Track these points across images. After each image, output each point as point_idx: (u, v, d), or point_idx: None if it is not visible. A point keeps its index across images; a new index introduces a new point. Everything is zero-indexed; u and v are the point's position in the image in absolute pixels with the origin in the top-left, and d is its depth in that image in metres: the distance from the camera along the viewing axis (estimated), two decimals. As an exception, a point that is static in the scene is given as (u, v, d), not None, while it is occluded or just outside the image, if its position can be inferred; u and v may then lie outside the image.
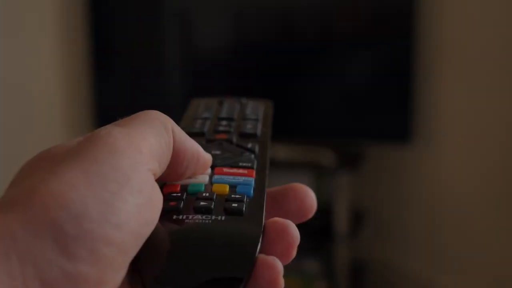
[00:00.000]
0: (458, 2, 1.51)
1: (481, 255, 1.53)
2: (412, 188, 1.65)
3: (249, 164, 0.31)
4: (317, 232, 1.60)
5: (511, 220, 1.48)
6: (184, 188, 0.29)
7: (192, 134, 0.34)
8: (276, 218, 0.28)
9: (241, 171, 0.31)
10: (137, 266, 0.25)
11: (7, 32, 1.69)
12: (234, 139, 0.34)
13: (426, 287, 1.64)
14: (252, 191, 0.29)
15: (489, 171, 1.50)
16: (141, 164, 0.25)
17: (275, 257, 0.26)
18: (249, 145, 0.34)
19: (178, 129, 0.28)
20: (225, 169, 0.31)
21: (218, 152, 0.33)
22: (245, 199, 0.28)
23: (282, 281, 0.25)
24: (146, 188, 0.25)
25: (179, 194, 0.28)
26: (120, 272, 0.23)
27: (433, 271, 1.63)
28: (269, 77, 1.60)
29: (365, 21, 1.58)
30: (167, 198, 0.28)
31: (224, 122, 0.36)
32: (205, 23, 1.70)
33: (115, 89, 1.76)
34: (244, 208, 0.27)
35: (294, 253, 0.27)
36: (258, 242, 0.26)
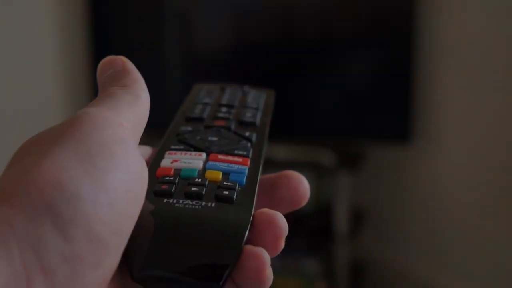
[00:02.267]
0: (458, 2, 1.51)
1: (481, 255, 1.53)
2: (412, 188, 1.65)
3: (245, 153, 0.31)
4: (317, 232, 1.60)
5: (511, 220, 1.48)
6: (177, 172, 0.29)
7: (190, 119, 0.35)
8: (265, 209, 0.27)
9: (236, 158, 0.31)
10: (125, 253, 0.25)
11: (7, 32, 1.69)
12: (233, 127, 0.34)
13: (426, 287, 1.64)
14: (244, 180, 0.29)
15: (489, 171, 1.50)
16: (123, 138, 0.25)
17: (262, 248, 0.26)
18: (247, 134, 0.34)
19: (146, 93, 0.29)
20: (220, 156, 0.31)
21: (215, 139, 0.33)
22: (237, 187, 0.28)
23: (268, 272, 0.25)
24: (133, 162, 0.25)
25: (172, 178, 0.28)
26: (115, 255, 0.23)
27: (433, 271, 1.63)
28: (269, 77, 1.60)
29: (365, 21, 1.58)
30: (160, 181, 0.28)
31: (224, 109, 0.36)
32: (205, 23, 1.70)
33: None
34: (235, 196, 0.27)
35: (282, 244, 0.27)
36: (246, 230, 0.26)
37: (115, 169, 0.23)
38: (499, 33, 1.45)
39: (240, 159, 0.31)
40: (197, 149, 0.31)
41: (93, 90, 1.75)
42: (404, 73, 1.52)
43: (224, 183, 0.28)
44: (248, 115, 0.36)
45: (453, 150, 1.57)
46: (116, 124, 0.25)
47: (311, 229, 1.61)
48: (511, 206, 1.47)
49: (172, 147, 0.31)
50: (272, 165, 1.51)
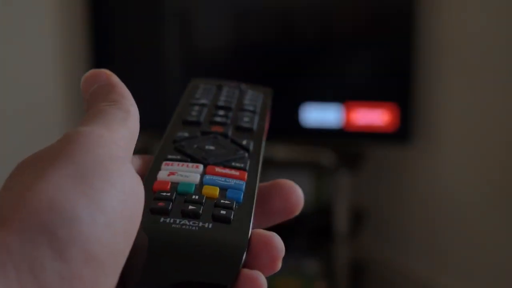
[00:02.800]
0: (458, 2, 1.51)
1: (481, 255, 1.53)
2: (412, 188, 1.65)
3: (242, 165, 0.31)
4: (317, 232, 1.61)
5: (511, 220, 1.48)
6: (174, 186, 0.29)
7: (187, 122, 0.34)
8: (261, 230, 0.27)
9: (233, 172, 0.30)
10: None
11: (7, 32, 1.69)
12: (230, 133, 0.34)
13: (426, 287, 1.64)
14: (241, 197, 0.29)
15: (489, 171, 1.50)
16: (118, 156, 0.25)
17: (258, 272, 0.26)
18: (244, 142, 0.33)
19: (134, 107, 0.29)
20: (217, 169, 0.30)
21: (212, 148, 0.32)
22: (234, 206, 0.28)
23: None
24: (129, 180, 0.25)
25: (169, 194, 0.28)
26: (113, 275, 0.23)
27: (433, 271, 1.63)
28: (269, 77, 1.60)
29: (365, 21, 1.58)
30: (156, 197, 0.28)
31: (221, 112, 0.36)
32: (205, 23, 1.70)
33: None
34: (232, 216, 0.27)
35: (279, 265, 0.27)
36: (243, 252, 0.26)
37: (111, 188, 0.23)
38: (499, 33, 1.45)
39: (237, 173, 0.30)
40: (194, 159, 0.31)
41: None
42: (404, 73, 1.52)
43: (222, 200, 0.28)
44: (245, 120, 0.35)
45: (453, 150, 1.57)
46: (111, 142, 0.25)
47: (311, 229, 1.61)
48: (511, 206, 1.47)
49: (169, 156, 0.31)
50: (272, 165, 1.51)
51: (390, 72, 1.56)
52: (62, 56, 1.79)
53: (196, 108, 0.36)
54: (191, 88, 0.39)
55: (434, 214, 1.62)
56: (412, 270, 1.67)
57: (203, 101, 0.37)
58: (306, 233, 1.59)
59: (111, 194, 0.23)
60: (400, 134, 1.54)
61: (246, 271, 0.26)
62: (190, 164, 0.30)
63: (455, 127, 1.56)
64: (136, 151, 0.29)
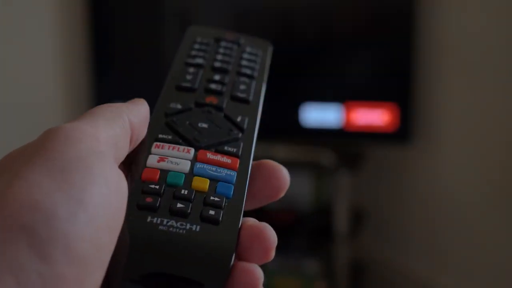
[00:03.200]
0: (458, 2, 1.50)
1: (481, 255, 1.53)
2: (412, 188, 1.65)
3: (235, 150, 0.30)
4: (317, 232, 1.60)
5: (511, 220, 1.48)
6: (163, 176, 0.28)
7: (181, 88, 0.33)
8: (252, 221, 0.27)
9: (225, 159, 0.30)
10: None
11: (7, 32, 1.69)
12: (224, 105, 0.33)
13: (426, 287, 1.64)
14: (232, 192, 0.28)
15: (489, 171, 1.50)
16: (99, 151, 0.24)
17: (255, 264, 0.26)
18: (239, 119, 0.32)
19: (134, 117, 0.28)
20: (209, 154, 0.30)
21: (205, 126, 0.31)
22: (223, 204, 0.27)
23: None
24: (111, 175, 0.24)
25: (157, 187, 0.27)
26: (97, 271, 0.23)
27: (433, 271, 1.63)
28: (268, 77, 1.60)
29: (365, 21, 1.58)
30: (144, 189, 0.27)
31: (217, 77, 0.34)
32: (205, 23, 1.69)
33: (115, 89, 1.76)
34: (220, 217, 0.27)
35: (272, 255, 0.27)
36: (231, 256, 0.26)
37: (92, 183, 0.23)
38: (499, 33, 1.45)
39: (229, 160, 0.30)
40: (185, 140, 0.30)
41: (93, 90, 1.75)
42: (404, 73, 1.52)
43: (211, 197, 0.27)
44: (241, 88, 0.34)
45: (453, 150, 1.57)
46: (92, 137, 0.25)
47: (311, 229, 1.61)
48: (511, 206, 1.47)
49: (160, 136, 0.30)
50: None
51: (390, 72, 1.56)
52: (62, 56, 1.79)
53: (191, 70, 0.35)
54: (188, 39, 0.37)
55: (434, 214, 1.62)
56: (412, 270, 1.67)
57: (198, 61, 0.36)
58: (306, 233, 1.59)
59: (92, 190, 0.23)
60: (400, 134, 1.54)
61: (242, 264, 0.26)
62: (181, 148, 0.30)
63: (455, 127, 1.55)
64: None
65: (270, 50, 0.39)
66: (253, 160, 0.31)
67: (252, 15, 1.64)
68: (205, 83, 0.34)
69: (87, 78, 1.76)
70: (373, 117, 1.57)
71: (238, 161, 0.30)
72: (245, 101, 0.34)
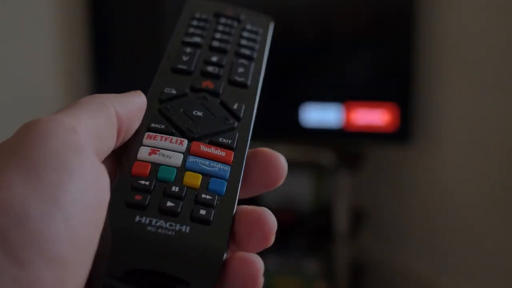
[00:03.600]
0: (458, 2, 1.50)
1: (481, 255, 1.53)
2: (412, 188, 1.65)
3: (229, 142, 0.29)
4: (317, 232, 1.60)
5: (511, 220, 1.48)
6: (154, 170, 0.27)
7: (177, 71, 0.32)
8: (251, 207, 0.26)
9: (219, 152, 0.28)
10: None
11: (7, 32, 1.69)
12: (221, 90, 0.31)
13: (426, 287, 1.64)
14: (224, 189, 0.27)
15: (489, 171, 1.50)
16: (78, 144, 0.23)
17: (255, 255, 0.25)
18: (235, 106, 0.31)
19: (122, 108, 0.27)
20: (202, 147, 0.28)
21: (199, 114, 0.30)
22: (215, 202, 0.26)
23: (261, 280, 0.25)
24: (90, 169, 0.23)
25: (147, 183, 0.26)
26: (79, 271, 0.22)
27: (433, 271, 1.63)
28: (268, 77, 1.60)
29: (365, 21, 1.58)
30: (134, 185, 0.26)
31: (214, 58, 0.33)
32: (205, 23, 1.69)
33: (115, 89, 1.75)
34: (212, 217, 0.26)
35: (272, 239, 0.26)
36: (222, 258, 0.25)
37: (68, 179, 0.22)
38: (499, 33, 1.45)
39: (223, 153, 0.28)
40: (178, 129, 0.29)
41: (93, 90, 1.75)
42: (404, 73, 1.52)
43: (203, 195, 0.26)
44: (240, 71, 0.33)
45: (453, 150, 1.57)
46: (70, 129, 0.23)
47: (311, 229, 1.61)
48: (511, 206, 1.47)
49: (153, 125, 0.29)
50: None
51: (390, 72, 1.56)
52: (62, 56, 1.79)
53: (188, 50, 0.33)
54: (186, 15, 0.36)
55: (434, 214, 1.62)
56: (412, 270, 1.67)
57: (196, 39, 0.34)
58: (306, 233, 1.59)
59: (68, 186, 0.22)
60: (400, 134, 1.53)
61: (241, 254, 0.25)
62: (174, 139, 0.28)
63: (455, 127, 1.55)
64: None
65: (271, 27, 0.37)
66: (250, 148, 0.30)
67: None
68: (202, 65, 0.33)
69: (87, 78, 1.76)
70: (373, 117, 1.57)
71: (233, 154, 0.29)
72: (243, 85, 0.32)
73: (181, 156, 0.28)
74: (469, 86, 1.51)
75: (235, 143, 0.29)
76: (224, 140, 0.29)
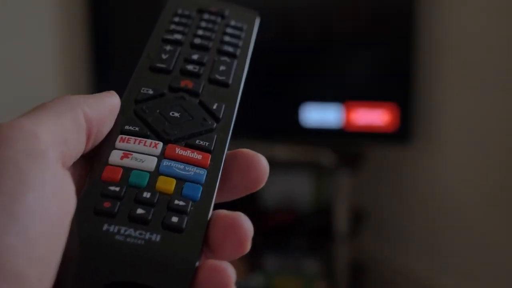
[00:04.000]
0: (458, 2, 1.50)
1: (481, 255, 1.53)
2: (412, 188, 1.65)
3: (207, 144, 0.27)
4: (317, 232, 1.60)
5: (511, 220, 1.48)
6: (126, 174, 0.25)
7: (155, 69, 0.31)
8: (226, 212, 0.25)
9: (195, 155, 0.27)
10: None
11: (7, 32, 1.69)
12: (201, 89, 0.30)
13: (426, 287, 1.64)
14: (199, 194, 0.26)
15: (489, 171, 1.50)
16: (38, 151, 0.22)
17: (226, 262, 0.24)
18: (215, 106, 0.29)
19: (92, 110, 0.25)
20: (178, 149, 0.27)
21: (176, 115, 0.28)
22: (188, 209, 0.25)
23: None
24: (51, 177, 0.22)
25: (118, 189, 0.25)
26: (39, 285, 0.20)
27: (433, 271, 1.63)
28: (268, 77, 1.60)
29: (365, 21, 1.58)
30: (103, 192, 0.25)
31: (195, 56, 0.31)
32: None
33: (115, 89, 1.75)
34: (184, 225, 0.24)
35: (248, 246, 0.25)
36: (193, 267, 0.24)
37: (25, 189, 0.20)
38: (499, 33, 1.45)
39: (199, 156, 0.27)
40: (153, 131, 0.27)
41: (93, 90, 1.75)
42: (404, 73, 1.52)
43: (176, 201, 0.25)
44: (221, 69, 0.31)
45: (453, 150, 1.57)
46: (31, 135, 0.22)
47: (311, 229, 1.61)
48: (511, 206, 1.47)
49: (126, 127, 0.27)
50: (272, 165, 1.51)
51: (390, 72, 1.56)
52: (62, 56, 1.79)
53: (168, 48, 0.32)
54: (168, 11, 0.34)
55: (434, 214, 1.62)
56: (412, 270, 1.67)
57: (177, 36, 0.32)
58: (306, 233, 1.59)
59: (25, 196, 0.20)
60: (400, 134, 1.54)
61: (213, 262, 0.24)
62: (149, 142, 0.27)
63: (455, 127, 1.56)
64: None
65: (257, 22, 0.35)
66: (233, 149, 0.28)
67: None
68: (182, 63, 0.31)
69: (87, 78, 1.76)
70: (373, 117, 1.57)
71: (210, 157, 0.27)
72: (224, 84, 0.31)
73: (155, 160, 0.26)
74: (469, 86, 1.51)
75: (213, 145, 0.28)
76: (201, 143, 0.28)
